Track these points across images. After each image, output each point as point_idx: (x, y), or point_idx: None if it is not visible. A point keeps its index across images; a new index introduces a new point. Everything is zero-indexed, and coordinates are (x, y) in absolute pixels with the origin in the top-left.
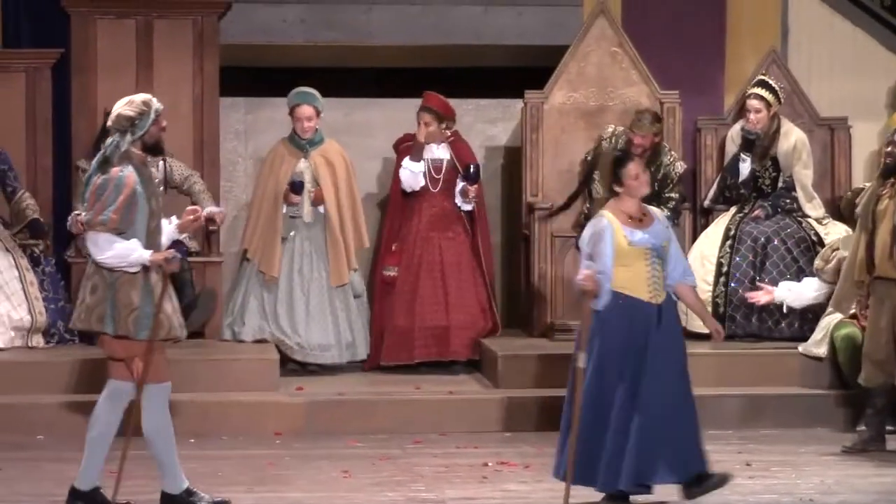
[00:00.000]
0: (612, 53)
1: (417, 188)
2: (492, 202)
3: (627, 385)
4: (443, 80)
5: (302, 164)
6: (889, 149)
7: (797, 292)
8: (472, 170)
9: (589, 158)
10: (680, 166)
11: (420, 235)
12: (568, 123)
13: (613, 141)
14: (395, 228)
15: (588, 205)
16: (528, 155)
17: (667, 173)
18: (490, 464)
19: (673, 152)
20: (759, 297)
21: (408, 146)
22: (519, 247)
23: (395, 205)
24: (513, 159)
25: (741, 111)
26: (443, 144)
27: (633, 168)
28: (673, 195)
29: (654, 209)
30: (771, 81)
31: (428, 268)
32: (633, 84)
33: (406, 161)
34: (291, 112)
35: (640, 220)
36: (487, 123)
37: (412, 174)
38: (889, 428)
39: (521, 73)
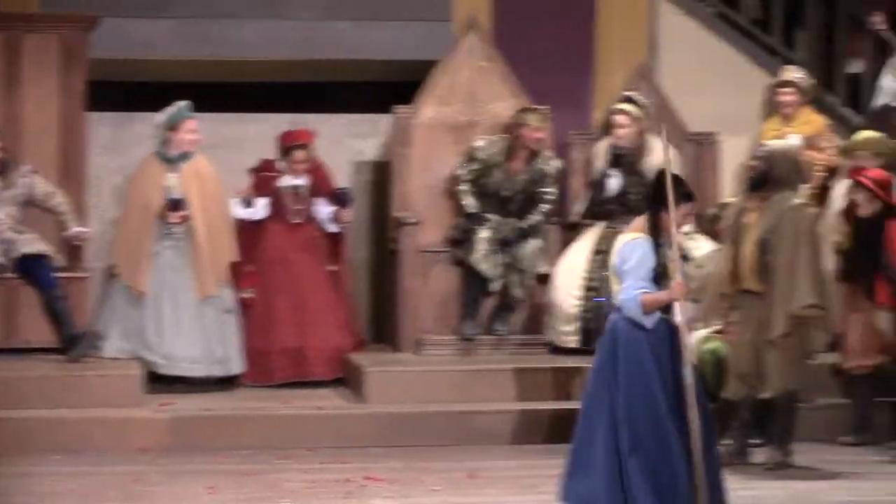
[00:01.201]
0: (482, 68)
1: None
2: (360, 217)
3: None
4: (313, 95)
5: (171, 179)
6: (755, 163)
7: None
8: (345, 195)
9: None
10: (555, 164)
11: (276, 257)
12: (437, 138)
13: (490, 148)
14: (251, 248)
15: (462, 218)
16: (397, 170)
17: (543, 171)
18: (355, 479)
19: (547, 151)
20: None
21: (266, 177)
22: (386, 262)
23: (246, 224)
24: (381, 174)
25: (609, 127)
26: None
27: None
28: (548, 193)
29: None
30: (637, 97)
31: (284, 289)
32: (503, 99)
33: (240, 209)
34: (176, 126)
35: None
36: (357, 138)
37: (246, 215)
38: (753, 441)
39: (391, 87)
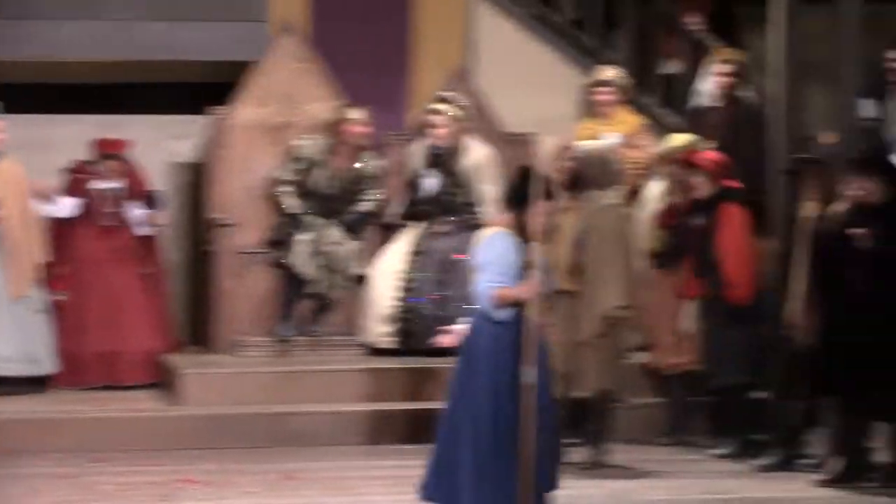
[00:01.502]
0: (299, 69)
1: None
2: (177, 218)
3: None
4: (128, 96)
5: None
6: (569, 164)
7: None
8: (157, 198)
9: None
10: (377, 164)
11: (89, 260)
12: (254, 139)
13: (312, 146)
14: (60, 250)
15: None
16: (214, 171)
17: (365, 171)
18: (171, 481)
19: (369, 152)
20: (443, 340)
21: (79, 178)
22: (203, 263)
23: (57, 225)
24: (198, 175)
25: (425, 127)
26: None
27: None
28: (370, 194)
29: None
30: (454, 97)
31: (96, 293)
32: (320, 100)
33: (44, 206)
34: None
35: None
36: (173, 139)
37: (51, 211)
38: (570, 441)
39: (208, 89)
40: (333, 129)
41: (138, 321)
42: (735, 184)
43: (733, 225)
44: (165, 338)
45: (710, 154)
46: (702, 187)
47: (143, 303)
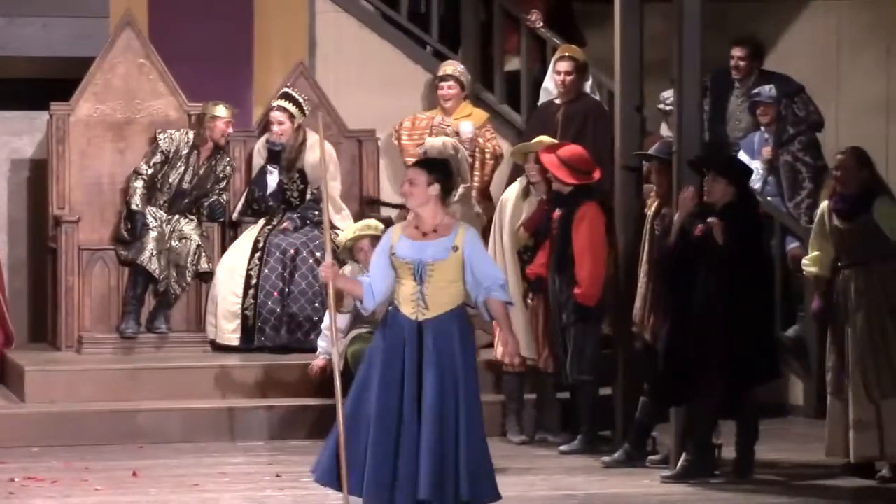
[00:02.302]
0: (140, 65)
1: None
2: (18, 215)
3: (407, 401)
4: None
5: None
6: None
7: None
8: None
9: None
10: (231, 165)
11: None
12: (95, 136)
13: (174, 140)
14: None
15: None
16: (55, 167)
17: (221, 170)
18: (17, 479)
19: (228, 154)
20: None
21: None
22: (45, 260)
23: None
24: (39, 172)
25: (268, 124)
26: None
27: (409, 173)
28: (220, 193)
29: (463, 223)
30: (294, 93)
31: None
32: (161, 96)
33: None
34: None
35: (427, 234)
36: (13, 136)
37: None
38: None
39: (47, 84)
40: (198, 125)
41: None
42: (596, 180)
43: (591, 222)
44: None
45: (566, 149)
46: (560, 183)
47: None
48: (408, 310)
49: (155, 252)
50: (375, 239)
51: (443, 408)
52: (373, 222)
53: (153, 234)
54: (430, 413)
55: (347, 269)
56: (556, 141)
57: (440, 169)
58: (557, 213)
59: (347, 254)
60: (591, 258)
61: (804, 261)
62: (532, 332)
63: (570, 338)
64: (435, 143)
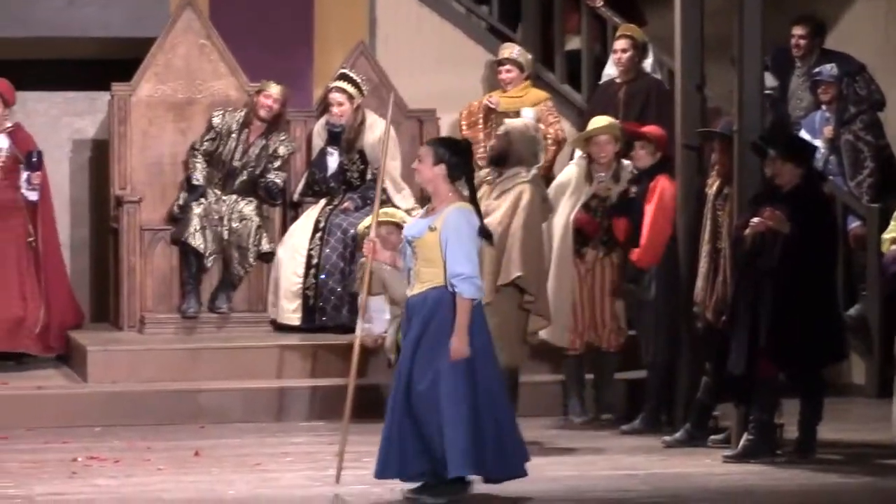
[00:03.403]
0: (200, 46)
1: None
2: (80, 196)
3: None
4: (27, 73)
5: None
6: (492, 142)
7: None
8: (34, 157)
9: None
10: (289, 145)
11: None
12: (156, 116)
13: (226, 117)
14: None
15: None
16: (116, 148)
17: (275, 149)
18: (79, 459)
19: (284, 133)
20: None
21: None
22: (107, 240)
23: None
24: (100, 152)
25: (327, 105)
26: (2, 134)
27: (420, 150)
28: (276, 173)
29: (459, 204)
30: (352, 74)
31: None
32: (222, 76)
33: None
34: None
35: (430, 212)
36: (75, 116)
37: None
38: None
39: (108, 65)
40: (249, 102)
41: (6, 291)
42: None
43: (662, 192)
44: (37, 306)
45: (649, 127)
46: (643, 158)
47: (14, 272)
48: (410, 286)
49: (199, 228)
50: (392, 227)
51: (418, 385)
52: (388, 209)
53: (197, 210)
54: (412, 393)
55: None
56: (616, 121)
57: (448, 149)
58: (634, 189)
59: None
60: (654, 224)
61: (884, 235)
62: (590, 312)
63: (647, 318)
64: (516, 124)
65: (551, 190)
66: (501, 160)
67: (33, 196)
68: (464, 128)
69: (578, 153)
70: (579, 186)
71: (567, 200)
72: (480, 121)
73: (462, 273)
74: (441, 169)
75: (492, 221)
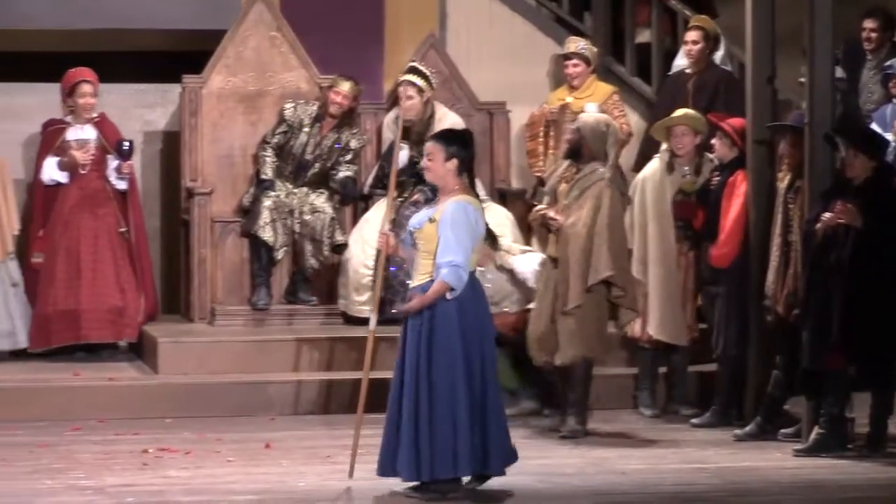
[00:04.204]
0: (271, 38)
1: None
2: (151, 187)
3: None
4: (97, 65)
5: None
6: (569, 136)
7: None
8: (125, 145)
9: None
10: (360, 139)
11: (63, 219)
12: (227, 108)
13: (297, 110)
14: (43, 213)
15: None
16: (187, 140)
17: (347, 143)
18: (150, 450)
19: (357, 127)
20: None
21: (52, 131)
22: (178, 232)
23: (40, 190)
24: (172, 144)
25: (396, 98)
26: (88, 124)
27: (427, 147)
28: (347, 166)
29: (460, 197)
30: (422, 67)
31: (66, 251)
32: (293, 69)
33: (52, 167)
34: None
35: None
36: (146, 108)
37: (52, 179)
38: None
39: (181, 57)
40: (322, 96)
41: (102, 278)
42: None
43: (742, 191)
44: (132, 296)
45: (732, 119)
46: (721, 150)
47: (109, 260)
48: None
49: (269, 220)
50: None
51: (413, 383)
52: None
53: (267, 202)
54: (405, 389)
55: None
56: (696, 113)
57: (459, 144)
58: (716, 179)
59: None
60: (735, 224)
61: None
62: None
63: (718, 311)
64: (588, 119)
65: (635, 184)
66: (576, 155)
67: (122, 185)
68: (526, 139)
69: (664, 146)
70: (662, 179)
71: (650, 195)
72: (541, 133)
73: (452, 260)
74: (453, 164)
75: (576, 222)
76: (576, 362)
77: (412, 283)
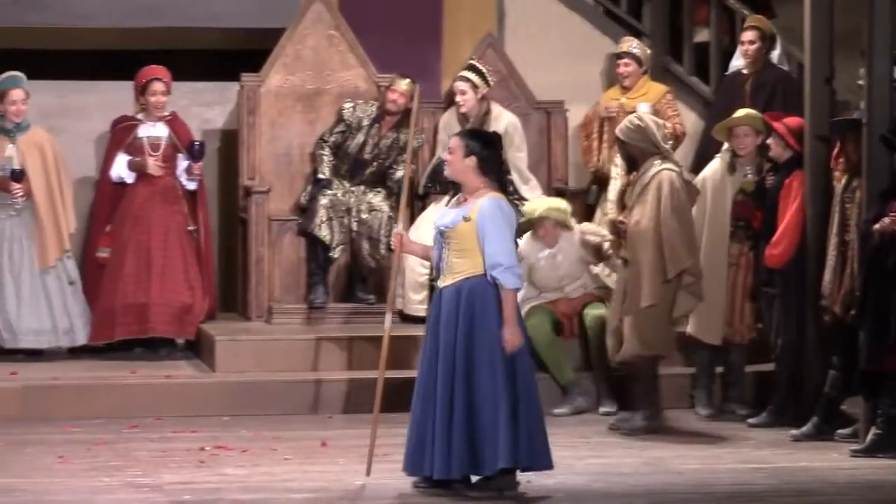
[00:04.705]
0: (329, 37)
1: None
2: (208, 185)
3: (429, 372)
4: (155, 63)
5: (10, 150)
6: (618, 151)
7: None
8: (197, 147)
9: None
10: (417, 140)
11: (132, 215)
12: (285, 106)
13: (356, 110)
14: (110, 209)
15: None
16: (245, 138)
17: (405, 142)
18: (207, 448)
19: (416, 127)
20: None
21: (123, 128)
22: (235, 230)
23: (107, 186)
24: (229, 142)
25: (453, 97)
26: (160, 122)
27: (451, 142)
28: (403, 168)
29: (493, 194)
30: (479, 64)
31: (136, 247)
32: (351, 67)
33: (122, 165)
34: (2, 96)
35: (462, 203)
36: (204, 106)
37: (119, 177)
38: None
39: (239, 55)
40: (380, 96)
41: (172, 274)
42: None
43: (798, 190)
44: (198, 293)
45: (790, 119)
46: (776, 149)
47: (179, 255)
48: (439, 277)
49: (325, 219)
50: (558, 223)
51: (448, 380)
52: (562, 204)
53: (324, 201)
54: (438, 387)
55: (522, 242)
56: (757, 113)
57: (480, 142)
58: (770, 179)
59: (528, 226)
60: (794, 226)
61: None
62: (729, 305)
63: (775, 311)
64: (620, 127)
65: (695, 183)
66: (631, 163)
67: (192, 185)
68: (582, 138)
69: (725, 146)
70: (722, 179)
71: (710, 194)
72: (595, 130)
73: (502, 263)
74: (472, 161)
75: (640, 219)
76: (638, 359)
77: (443, 283)
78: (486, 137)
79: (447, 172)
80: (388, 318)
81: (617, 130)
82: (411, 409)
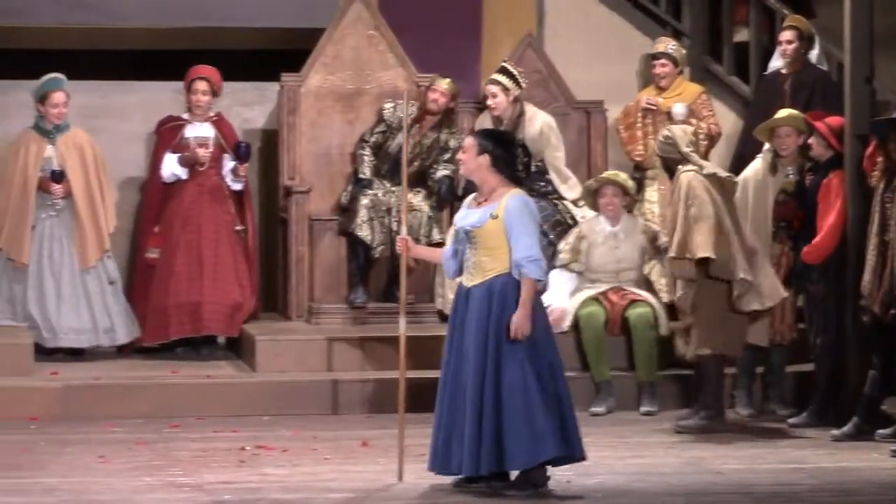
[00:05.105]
0: (369, 37)
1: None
2: (249, 185)
3: (454, 371)
4: (197, 63)
5: (49, 151)
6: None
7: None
8: (243, 148)
9: None
10: (457, 139)
11: (181, 215)
12: (325, 107)
13: (397, 110)
14: (158, 210)
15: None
16: (285, 138)
17: (446, 142)
18: (248, 448)
19: (456, 126)
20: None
21: (170, 128)
22: (276, 230)
23: (155, 187)
24: (270, 142)
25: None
26: (206, 123)
27: (466, 140)
28: (445, 165)
29: (515, 191)
30: (510, 66)
31: (186, 246)
32: (390, 67)
33: (173, 163)
34: (44, 98)
35: (482, 202)
36: (244, 106)
37: (173, 175)
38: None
39: (277, 55)
40: (420, 96)
41: (223, 273)
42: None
43: (837, 189)
44: (246, 292)
45: (831, 119)
46: (817, 149)
47: (229, 255)
48: (464, 276)
49: (366, 219)
50: (621, 189)
51: (478, 377)
52: (622, 174)
53: (365, 201)
54: (468, 385)
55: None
56: (799, 113)
57: (494, 141)
58: (810, 178)
59: (589, 198)
60: (833, 225)
61: None
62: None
63: (816, 311)
64: (675, 130)
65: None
66: (668, 170)
67: (237, 186)
68: (621, 130)
69: (766, 146)
70: (764, 179)
71: (752, 194)
72: (639, 120)
73: (530, 255)
74: (485, 159)
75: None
76: (704, 359)
77: (471, 283)
78: (499, 136)
79: (462, 171)
80: (403, 321)
81: (655, 146)
82: (436, 409)
